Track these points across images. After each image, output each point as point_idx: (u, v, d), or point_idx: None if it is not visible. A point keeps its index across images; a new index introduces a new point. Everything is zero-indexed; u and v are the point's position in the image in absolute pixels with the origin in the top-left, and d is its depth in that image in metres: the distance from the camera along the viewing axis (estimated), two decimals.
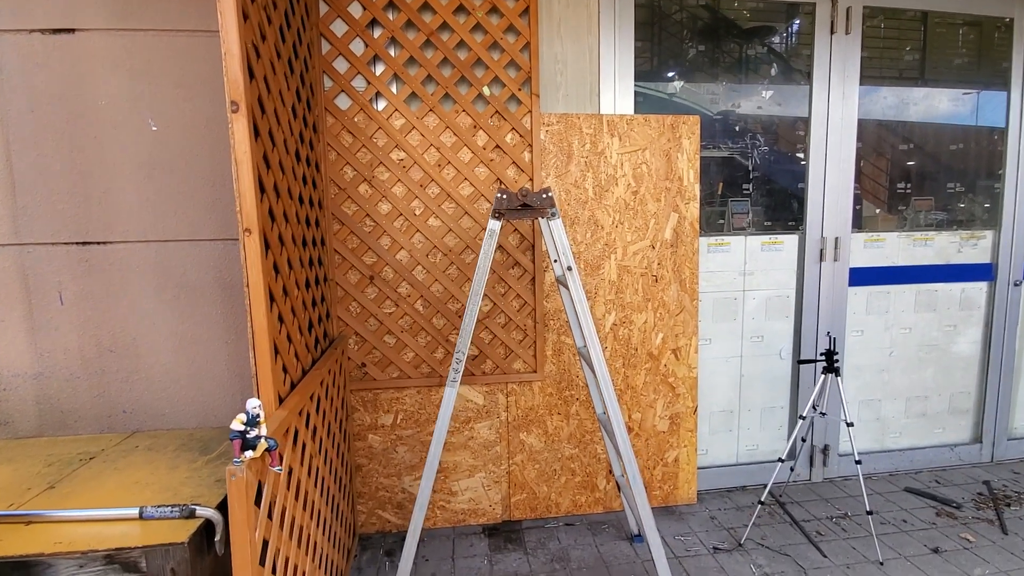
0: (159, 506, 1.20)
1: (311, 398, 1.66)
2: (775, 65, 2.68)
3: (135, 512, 1.20)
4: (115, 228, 1.83)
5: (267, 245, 1.43)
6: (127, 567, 1.15)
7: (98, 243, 1.83)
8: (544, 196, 1.71)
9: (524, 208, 1.73)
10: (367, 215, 2.26)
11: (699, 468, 2.71)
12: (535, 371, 2.44)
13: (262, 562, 1.17)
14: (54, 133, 1.76)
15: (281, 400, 1.44)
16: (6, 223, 1.79)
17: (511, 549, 2.31)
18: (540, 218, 1.89)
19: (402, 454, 2.42)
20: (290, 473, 1.43)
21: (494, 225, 1.71)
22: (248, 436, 1.07)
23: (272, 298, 1.44)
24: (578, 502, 2.56)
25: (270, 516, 1.24)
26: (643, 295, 2.48)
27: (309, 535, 1.60)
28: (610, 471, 2.56)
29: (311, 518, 1.63)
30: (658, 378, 2.53)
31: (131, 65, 1.76)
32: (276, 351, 1.44)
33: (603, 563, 2.20)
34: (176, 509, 1.19)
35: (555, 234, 1.73)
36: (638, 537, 2.34)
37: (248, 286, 1.32)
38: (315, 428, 1.71)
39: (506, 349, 2.43)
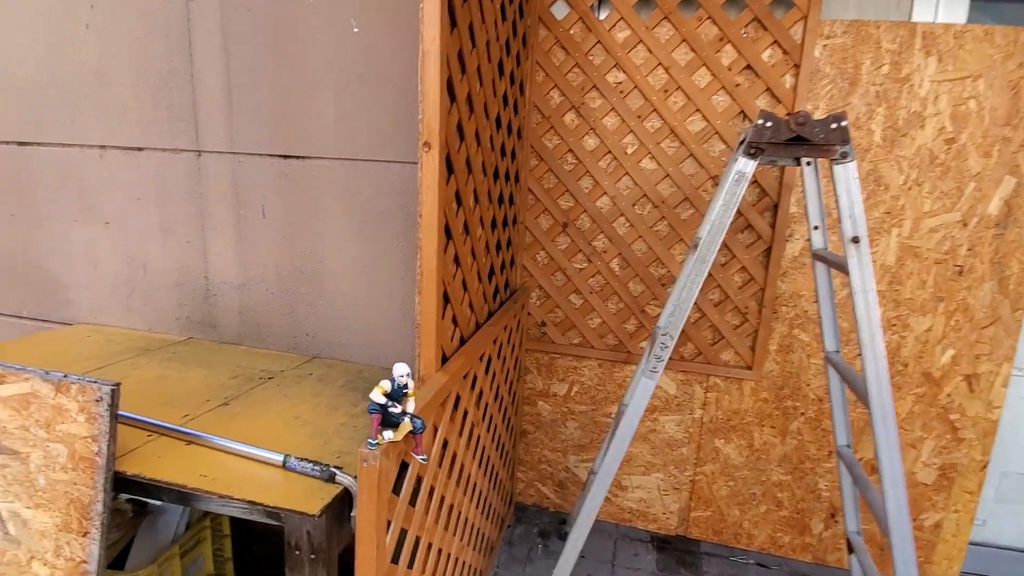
0: (302, 459, 1.05)
1: (480, 358, 1.40)
2: None
3: (280, 459, 1.07)
4: (311, 142, 1.75)
5: (450, 168, 1.15)
6: (269, 513, 1.02)
7: (297, 157, 1.77)
8: (833, 126, 1.15)
9: (796, 142, 1.19)
10: (569, 150, 1.90)
11: (969, 543, 1.93)
12: (749, 367, 1.91)
13: (396, 559, 0.95)
14: (264, 33, 1.70)
15: (445, 359, 1.19)
16: (224, 131, 1.81)
17: (684, 574, 1.90)
18: (808, 161, 1.33)
19: (571, 430, 2.11)
20: (445, 445, 1.20)
21: (745, 165, 1.21)
22: (390, 411, 0.82)
23: (449, 234, 1.17)
24: (778, 541, 2.01)
25: (412, 503, 1.01)
26: (933, 291, 1.74)
27: (460, 512, 1.38)
28: (832, 515, 1.94)
29: (464, 494, 1.41)
30: (933, 410, 1.80)
31: None
32: (446, 299, 1.18)
33: None
34: (317, 468, 1.03)
35: (842, 186, 1.16)
36: None
37: (421, 215, 1.05)
38: (481, 392, 1.46)
39: (715, 333, 1.93)
